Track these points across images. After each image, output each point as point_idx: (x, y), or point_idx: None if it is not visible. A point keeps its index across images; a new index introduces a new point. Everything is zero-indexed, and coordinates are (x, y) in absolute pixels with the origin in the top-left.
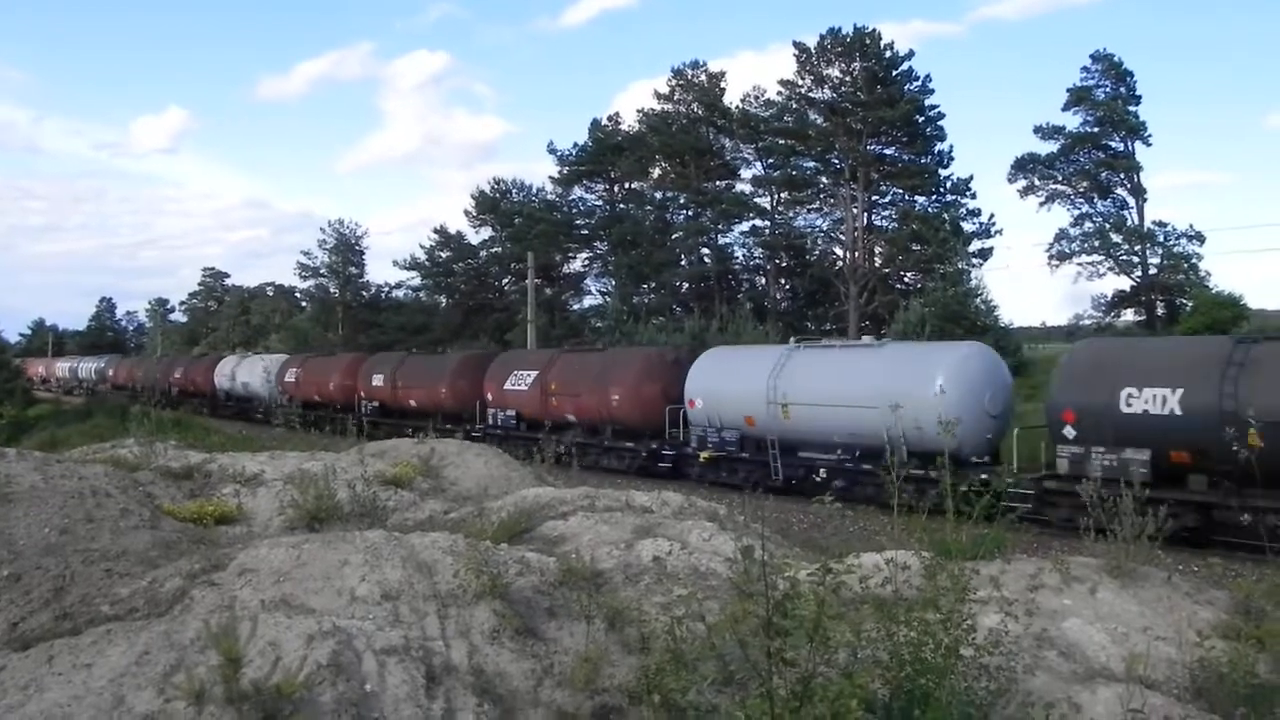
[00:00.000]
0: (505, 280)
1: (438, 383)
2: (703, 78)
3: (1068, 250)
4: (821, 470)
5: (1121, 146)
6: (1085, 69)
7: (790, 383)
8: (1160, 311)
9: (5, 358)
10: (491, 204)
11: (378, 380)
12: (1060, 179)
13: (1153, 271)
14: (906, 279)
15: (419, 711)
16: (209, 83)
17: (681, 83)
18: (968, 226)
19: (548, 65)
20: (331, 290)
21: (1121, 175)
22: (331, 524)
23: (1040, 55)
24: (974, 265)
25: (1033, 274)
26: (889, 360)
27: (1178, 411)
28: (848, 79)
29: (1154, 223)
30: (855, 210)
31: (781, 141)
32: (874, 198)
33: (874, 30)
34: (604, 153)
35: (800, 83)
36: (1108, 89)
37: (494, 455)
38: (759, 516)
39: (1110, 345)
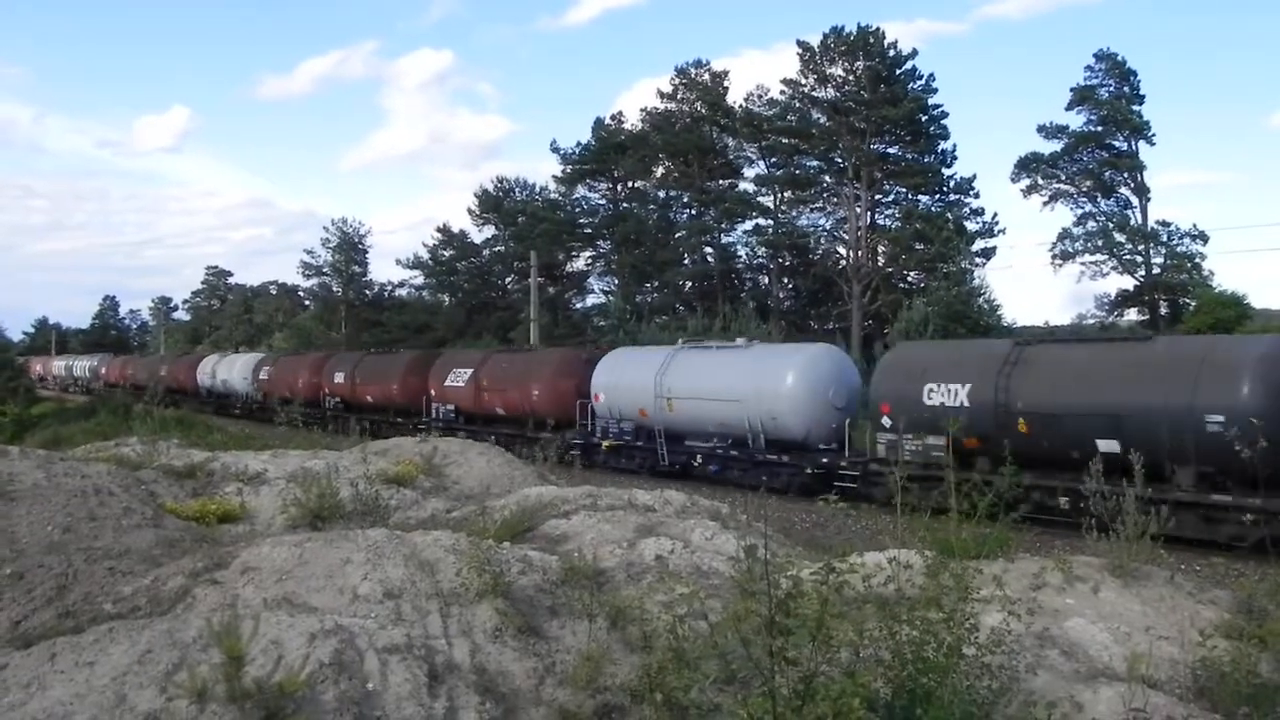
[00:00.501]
0: (508, 279)
1: (390, 380)
2: (706, 77)
3: (1071, 250)
4: (699, 456)
5: (1125, 146)
6: (1089, 68)
7: (674, 380)
8: (1164, 311)
9: (8, 356)
10: (495, 203)
11: (339, 378)
12: (1063, 178)
13: (1156, 271)
14: (910, 278)
15: (421, 710)
16: (213, 81)
17: (684, 81)
18: (971, 226)
19: (551, 64)
20: (335, 289)
21: (1125, 174)
22: (334, 522)
23: (1044, 54)
24: (977, 265)
25: (1036, 273)
26: (752, 360)
27: (966, 404)
28: (851, 78)
29: (1157, 222)
30: (858, 209)
31: (785, 140)
32: (877, 197)
33: (877, 29)
34: (607, 152)
35: (803, 82)
36: (1111, 88)
37: (496, 454)
38: (761, 516)
39: (917, 347)
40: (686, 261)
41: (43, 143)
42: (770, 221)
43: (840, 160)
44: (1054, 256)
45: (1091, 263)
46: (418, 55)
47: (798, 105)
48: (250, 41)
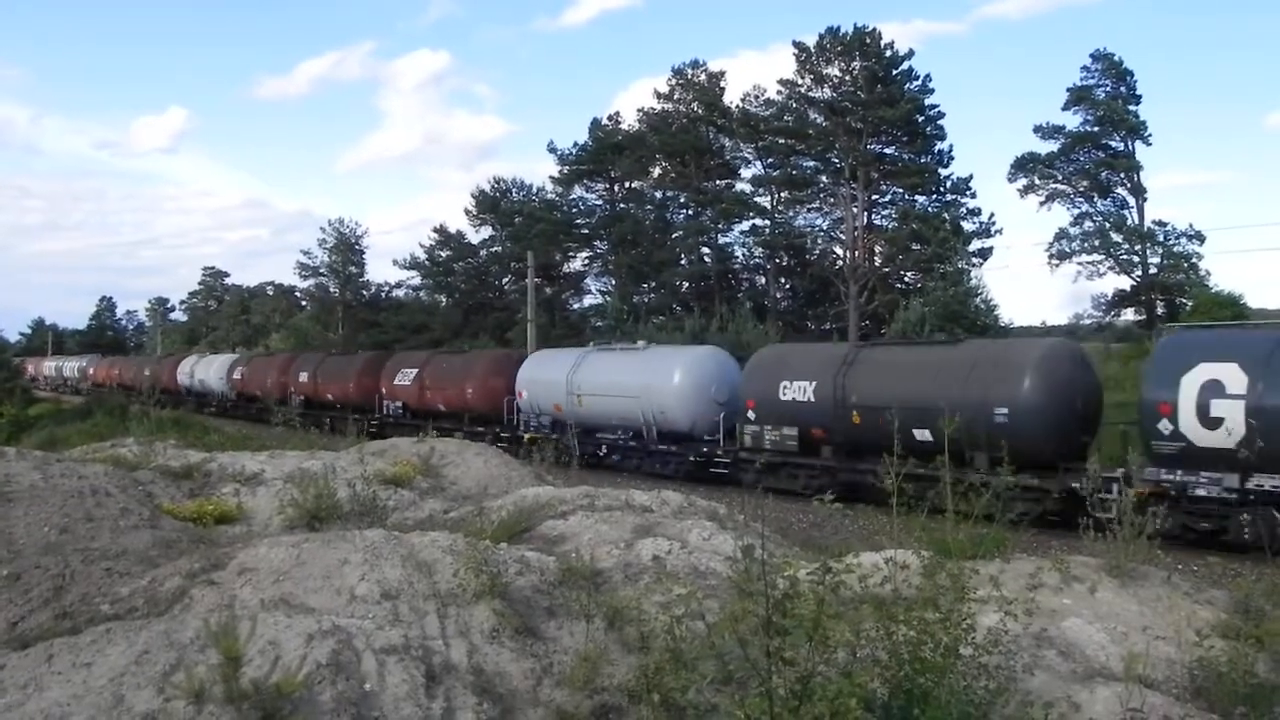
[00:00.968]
0: (505, 279)
1: (347, 379)
2: (702, 77)
3: (1068, 250)
4: (604, 447)
5: (1121, 146)
6: (1085, 68)
7: (583, 378)
8: (1160, 311)
9: (5, 357)
10: (491, 203)
11: (303, 377)
12: (1060, 178)
13: (1153, 271)
14: (906, 278)
15: (418, 710)
16: (210, 82)
17: (681, 82)
18: (968, 226)
19: (548, 65)
20: (331, 290)
21: (1121, 175)
22: (331, 523)
23: (1041, 54)
24: (974, 265)
25: (1033, 273)
26: (646, 360)
27: (812, 399)
28: (847, 78)
29: (1154, 222)
30: (855, 209)
31: (781, 141)
32: (874, 197)
33: (874, 29)
34: (604, 152)
35: (800, 82)
36: (1108, 88)
37: (494, 455)
38: (759, 516)
39: (776, 350)
40: (683, 262)
41: (40, 143)
42: (767, 222)
43: (837, 160)
44: (1051, 256)
45: (1088, 263)
46: (415, 56)
47: (794, 106)
48: (248, 42)
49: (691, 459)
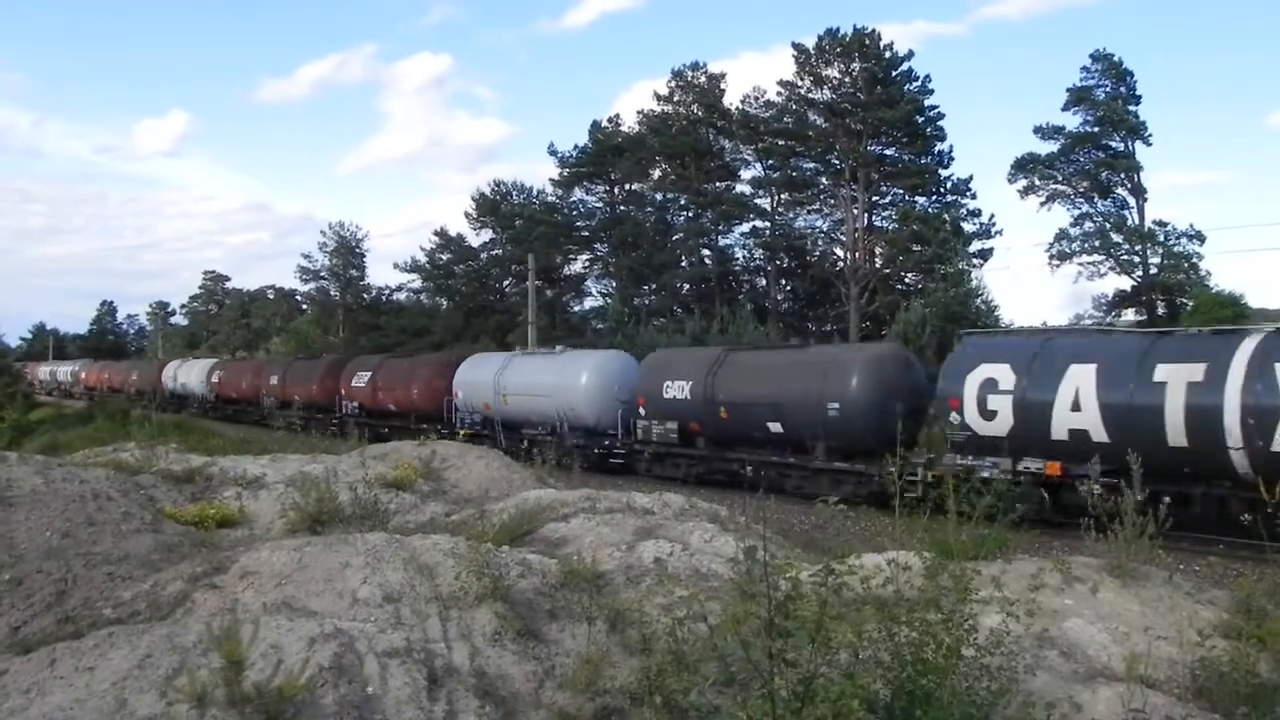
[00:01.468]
0: (506, 282)
1: (311, 382)
2: (702, 79)
3: (1068, 250)
4: (526, 441)
5: (1121, 146)
6: (1085, 69)
7: (508, 380)
8: (1161, 311)
9: (6, 362)
10: (492, 206)
11: (274, 380)
12: (1060, 179)
13: (1153, 271)
14: (907, 279)
15: (421, 713)
16: (211, 86)
17: (681, 84)
18: (968, 227)
19: (549, 67)
20: (332, 293)
21: (1122, 175)
22: (333, 527)
23: (1041, 55)
24: (974, 265)
25: (1033, 274)
26: (560, 363)
27: (689, 397)
28: (847, 80)
29: (1154, 222)
30: (855, 211)
31: (781, 142)
32: (874, 198)
33: (873, 31)
34: (604, 154)
35: (800, 84)
36: (1108, 89)
37: (495, 458)
38: (760, 518)
39: (663, 353)
40: (684, 264)
41: (41, 147)
42: (767, 223)
43: (837, 162)
44: (1051, 257)
45: (1089, 263)
46: (416, 59)
47: (794, 107)
48: (249, 45)
49: (596, 450)
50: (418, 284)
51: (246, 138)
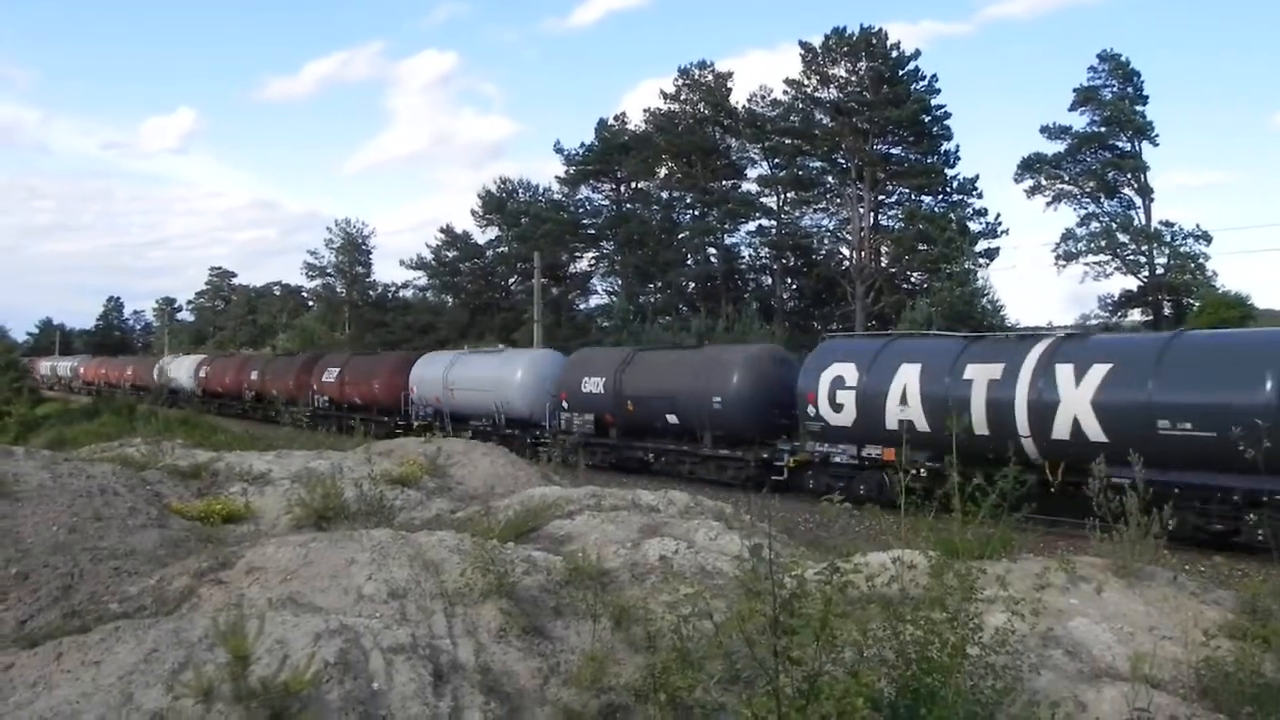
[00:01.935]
0: (512, 280)
1: (288, 377)
2: (709, 77)
3: (1074, 250)
4: (470, 431)
5: (1128, 146)
6: (1092, 69)
7: (455, 376)
8: (1167, 311)
9: (13, 357)
10: (498, 203)
11: (254, 375)
12: (1067, 179)
13: (1160, 271)
14: (913, 279)
15: (426, 709)
16: (218, 83)
17: (688, 83)
18: (974, 226)
19: (555, 65)
20: (338, 290)
21: (1128, 175)
22: (338, 523)
23: (1048, 55)
24: (980, 265)
25: (1039, 274)
26: (497, 360)
27: (602, 392)
28: (854, 79)
29: (1161, 222)
30: (861, 210)
31: (788, 141)
32: (880, 197)
33: (880, 30)
34: (610, 152)
35: (806, 83)
36: (1115, 89)
37: (500, 454)
38: (765, 515)
39: (583, 352)
40: (690, 262)
41: (49, 144)
42: (773, 222)
43: (843, 161)
44: (1057, 257)
45: (1095, 263)
46: (423, 56)
47: (800, 106)
48: (256, 43)
49: (528, 440)
50: (423, 281)
51: (253, 135)
